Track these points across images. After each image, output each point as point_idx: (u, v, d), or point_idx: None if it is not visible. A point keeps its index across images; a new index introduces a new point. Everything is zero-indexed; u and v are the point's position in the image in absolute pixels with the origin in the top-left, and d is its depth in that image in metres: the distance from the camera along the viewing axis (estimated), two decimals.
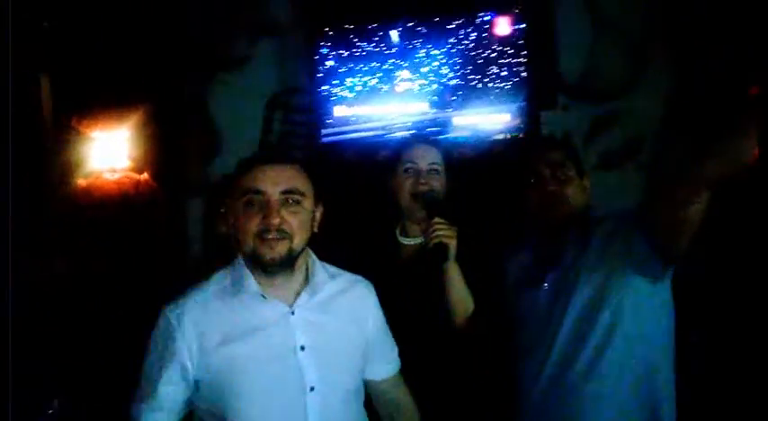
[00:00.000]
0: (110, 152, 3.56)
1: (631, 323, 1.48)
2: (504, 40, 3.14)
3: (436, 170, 1.83)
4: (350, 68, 3.26)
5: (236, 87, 3.52)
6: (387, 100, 3.25)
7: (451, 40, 3.17)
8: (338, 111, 3.28)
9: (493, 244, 1.83)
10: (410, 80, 3.22)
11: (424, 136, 2.73)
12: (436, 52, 3.18)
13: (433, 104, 3.21)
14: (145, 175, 3.64)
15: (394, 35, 3.20)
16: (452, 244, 1.62)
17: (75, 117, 3.58)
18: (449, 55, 3.19)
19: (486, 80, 3.20)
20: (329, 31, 3.27)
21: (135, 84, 3.51)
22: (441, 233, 1.62)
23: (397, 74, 3.23)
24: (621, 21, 3.24)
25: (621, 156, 3.24)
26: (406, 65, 3.22)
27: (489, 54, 3.16)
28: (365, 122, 3.26)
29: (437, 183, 1.82)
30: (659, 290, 1.50)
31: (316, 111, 3.32)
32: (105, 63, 3.49)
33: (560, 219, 1.62)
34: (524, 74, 3.15)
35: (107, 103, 3.54)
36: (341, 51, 3.25)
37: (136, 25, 3.45)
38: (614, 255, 1.51)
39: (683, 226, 1.35)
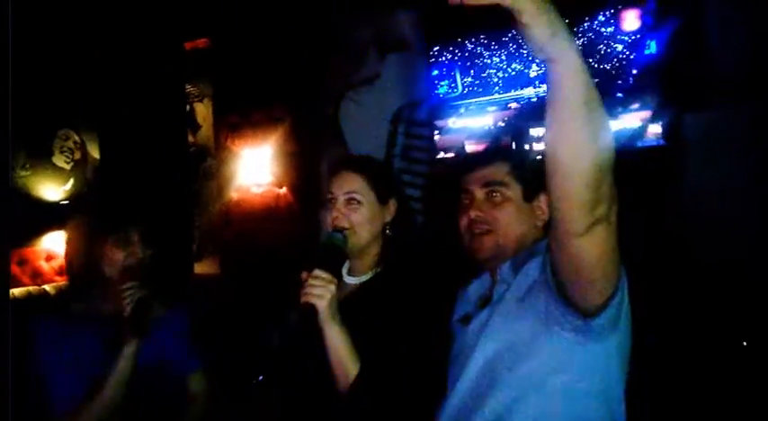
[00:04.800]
0: (255, 168, 3.92)
1: (550, 387, 1.14)
2: (639, 35, 2.84)
3: (356, 201, 1.49)
4: (469, 80, 3.19)
5: (364, 104, 3.63)
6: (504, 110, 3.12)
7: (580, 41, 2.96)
8: (454, 123, 3.22)
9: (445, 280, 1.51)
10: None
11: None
12: None
13: None
14: (284, 189, 3.92)
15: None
16: (322, 305, 1.30)
17: (229, 136, 4.00)
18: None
19: (619, 81, 2.93)
20: (450, 43, 3.25)
21: (277, 106, 3.83)
22: (311, 291, 1.30)
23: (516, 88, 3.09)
24: None
25: None
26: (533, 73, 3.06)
27: (623, 51, 2.88)
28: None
29: (356, 216, 1.48)
30: (590, 348, 1.13)
31: (434, 123, 3.30)
32: (254, 86, 3.85)
33: (485, 250, 1.32)
34: (664, 71, 2.82)
35: (254, 124, 3.90)
36: (460, 62, 3.20)
37: (280, 51, 3.77)
38: (534, 301, 1.18)
39: (577, 271, 1.04)
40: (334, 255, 1.41)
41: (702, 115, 2.83)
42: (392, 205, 1.54)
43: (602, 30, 2.96)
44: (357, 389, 1.34)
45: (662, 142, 2.88)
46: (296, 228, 3.83)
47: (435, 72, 3.10)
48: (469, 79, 3.14)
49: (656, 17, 2.83)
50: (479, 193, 1.36)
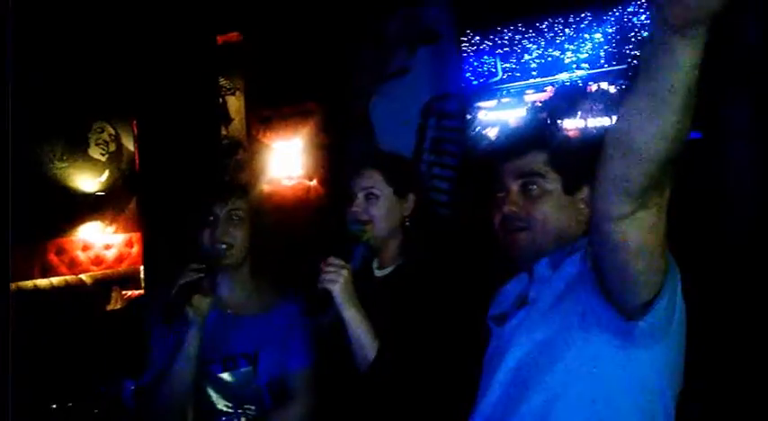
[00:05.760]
0: (286, 161, 3.95)
1: (585, 392, 1.05)
2: None
3: (374, 195, 1.56)
4: (491, 74, 3.17)
5: (394, 97, 3.63)
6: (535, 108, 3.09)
7: (611, 29, 2.92)
8: (485, 116, 3.20)
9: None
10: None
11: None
12: (592, 45, 2.95)
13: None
14: (315, 182, 3.94)
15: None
16: (336, 289, 1.39)
17: (261, 129, 4.03)
18: (609, 47, 2.93)
19: None
20: (489, 31, 3.22)
21: (308, 99, 3.84)
22: (325, 277, 1.40)
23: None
24: None
25: None
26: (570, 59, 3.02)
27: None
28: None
29: (375, 211, 1.55)
30: (633, 355, 1.03)
31: (466, 116, 3.28)
32: (285, 79, 3.88)
33: (520, 249, 1.24)
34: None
35: (285, 117, 3.92)
36: (500, 49, 3.18)
37: (310, 46, 3.78)
38: (572, 300, 1.10)
39: (614, 252, 0.94)
40: (351, 243, 1.50)
41: (744, 108, 2.76)
42: (411, 199, 1.60)
43: (635, 19, 2.90)
44: (376, 371, 1.39)
45: (698, 135, 2.81)
46: (326, 221, 3.85)
47: (473, 60, 3.07)
48: (508, 65, 3.15)
49: None
50: (514, 186, 1.25)
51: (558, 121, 2.96)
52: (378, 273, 1.63)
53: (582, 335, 1.06)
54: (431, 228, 1.62)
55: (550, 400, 1.07)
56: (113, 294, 3.97)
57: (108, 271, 4.81)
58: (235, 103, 4.22)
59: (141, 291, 4.55)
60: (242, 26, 4.11)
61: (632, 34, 2.93)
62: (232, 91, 4.14)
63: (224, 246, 1.55)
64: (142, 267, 4.58)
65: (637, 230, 0.90)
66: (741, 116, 2.79)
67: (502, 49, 3.19)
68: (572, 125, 2.98)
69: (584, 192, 1.23)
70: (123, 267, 4.94)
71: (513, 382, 1.13)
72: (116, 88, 4.11)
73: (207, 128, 3.97)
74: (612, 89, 2.97)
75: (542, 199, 1.23)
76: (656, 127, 0.83)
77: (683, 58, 0.77)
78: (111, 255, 5.06)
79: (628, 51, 2.92)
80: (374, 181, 1.57)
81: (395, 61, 3.67)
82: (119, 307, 3.97)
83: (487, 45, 3.22)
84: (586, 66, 3.00)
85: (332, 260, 1.42)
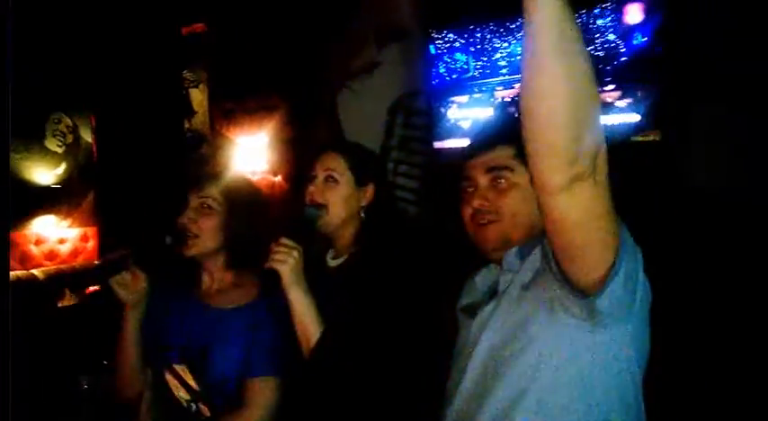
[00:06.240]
0: (251, 155, 3.87)
1: (557, 378, 1.06)
2: (637, 29, 2.82)
3: (334, 179, 1.54)
4: (463, 70, 3.17)
5: (362, 93, 3.59)
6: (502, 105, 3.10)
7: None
8: (452, 116, 3.20)
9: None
10: None
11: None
12: None
13: None
14: (279, 178, 3.88)
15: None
16: (284, 269, 1.37)
17: (224, 123, 3.95)
18: None
19: (618, 74, 2.91)
20: (448, 32, 3.22)
21: (274, 93, 3.78)
22: (273, 257, 1.38)
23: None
24: None
25: None
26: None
27: (619, 44, 2.86)
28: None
29: (332, 196, 1.53)
30: (599, 337, 1.05)
31: (434, 114, 3.27)
32: (250, 72, 3.80)
33: (491, 241, 1.24)
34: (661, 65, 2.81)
35: (249, 111, 3.85)
36: (455, 52, 3.18)
37: (276, 39, 3.72)
38: (540, 288, 1.10)
39: (557, 228, 0.95)
40: (304, 226, 1.48)
41: (704, 110, 2.81)
42: (370, 189, 1.58)
43: (600, 22, 2.94)
44: (318, 353, 1.37)
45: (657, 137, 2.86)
46: (290, 216, 3.79)
47: (447, 57, 3.07)
48: (480, 63, 3.18)
49: (658, 11, 2.82)
50: (483, 180, 1.27)
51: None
52: (331, 262, 1.60)
53: (549, 321, 1.07)
54: (388, 220, 1.59)
55: (523, 388, 1.08)
56: (66, 290, 3.84)
57: (62, 266, 4.65)
58: (198, 96, 4.12)
59: (97, 287, 4.40)
60: (207, 17, 4.03)
61: (597, 36, 2.97)
62: (195, 83, 4.04)
63: (187, 235, 1.51)
64: (97, 262, 4.45)
65: (575, 203, 0.90)
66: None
67: (474, 46, 3.19)
68: None
69: None
70: (78, 262, 4.78)
71: (485, 372, 1.14)
72: (75, 78, 3.97)
73: (169, 120, 3.88)
74: None
75: (511, 191, 1.24)
76: (546, 72, 0.85)
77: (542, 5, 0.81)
78: (65, 249, 4.88)
79: (592, 52, 2.96)
80: (336, 164, 1.55)
81: (363, 57, 3.64)
82: (71, 303, 3.84)
83: (460, 43, 3.22)
84: None
85: (283, 240, 1.40)
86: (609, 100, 2.95)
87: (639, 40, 2.84)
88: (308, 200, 1.54)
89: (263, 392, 1.47)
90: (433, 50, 3.29)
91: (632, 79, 2.91)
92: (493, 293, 1.25)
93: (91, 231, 4.83)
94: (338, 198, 1.54)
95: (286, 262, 1.38)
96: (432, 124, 3.32)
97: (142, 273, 1.50)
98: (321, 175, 1.55)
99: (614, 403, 1.07)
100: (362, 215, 1.57)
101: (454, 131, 3.25)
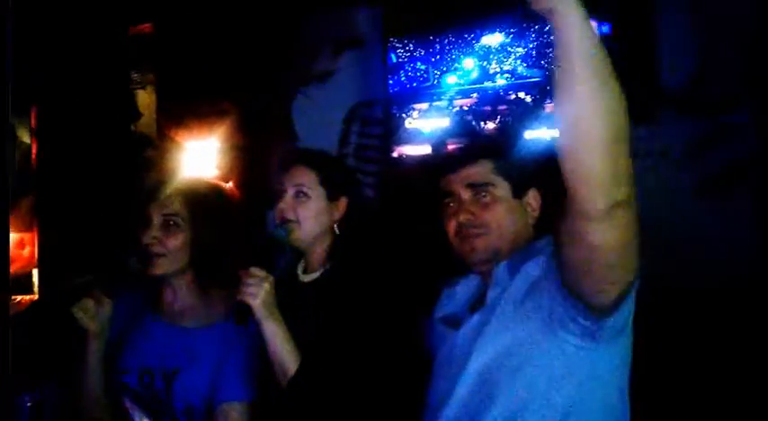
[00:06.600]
0: (200, 161, 3.76)
1: (554, 396, 1.08)
2: None
3: (305, 194, 1.49)
4: (424, 79, 3.18)
5: (317, 100, 3.56)
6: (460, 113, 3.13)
7: (524, 48, 3.02)
8: (410, 123, 3.21)
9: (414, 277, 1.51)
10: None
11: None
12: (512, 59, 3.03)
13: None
14: (230, 184, 3.79)
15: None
16: (257, 304, 1.31)
17: (173, 127, 3.83)
18: (527, 62, 3.03)
19: None
20: (404, 41, 3.23)
21: (224, 97, 3.69)
22: (245, 289, 1.32)
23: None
24: (733, 21, 2.83)
25: (728, 181, 2.81)
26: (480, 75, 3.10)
27: None
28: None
29: (304, 212, 1.48)
30: (598, 354, 1.07)
31: (389, 123, 3.28)
32: (200, 76, 3.70)
33: (478, 254, 1.26)
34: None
35: (200, 115, 3.74)
36: (416, 61, 3.20)
37: (228, 42, 3.63)
38: (535, 303, 1.12)
39: (586, 263, 0.96)
40: (274, 250, 1.45)
41: (651, 128, 2.90)
42: (342, 203, 1.54)
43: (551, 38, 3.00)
44: (294, 387, 1.33)
45: None
46: (241, 225, 3.71)
47: (408, 66, 3.08)
48: (438, 72, 3.23)
49: (609, 23, 2.89)
50: (465, 195, 1.29)
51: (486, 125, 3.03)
52: (303, 277, 1.55)
53: (547, 337, 1.08)
54: (360, 233, 1.56)
55: (520, 403, 1.08)
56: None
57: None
58: (145, 98, 3.99)
59: (32, 296, 4.19)
60: (154, 17, 3.90)
61: (550, 49, 3.03)
62: (142, 85, 3.91)
63: (153, 254, 1.43)
64: (35, 270, 4.23)
65: (614, 227, 0.91)
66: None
67: (434, 56, 3.21)
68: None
69: (530, 195, 1.30)
70: (13, 270, 4.54)
71: (478, 387, 1.13)
72: (11, 76, 3.77)
73: (115, 122, 3.74)
74: (529, 98, 3.06)
75: (494, 205, 1.27)
76: (579, 101, 0.86)
77: (567, 31, 0.83)
78: None
79: (546, 64, 3.02)
80: (306, 179, 1.51)
81: (319, 64, 3.61)
82: (10, 314, 3.63)
83: (420, 52, 3.24)
84: (508, 75, 3.08)
85: (253, 271, 1.34)
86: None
87: None
88: (277, 217, 1.48)
89: (234, 417, 1.40)
90: (394, 59, 3.28)
91: None
92: (475, 304, 1.26)
93: (28, 237, 4.60)
94: (310, 214, 1.49)
95: (257, 295, 1.32)
96: (387, 133, 3.32)
97: (107, 299, 1.40)
98: (291, 191, 1.50)
99: (602, 408, 1.10)
100: (336, 230, 1.52)
101: (414, 138, 3.26)
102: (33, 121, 4.04)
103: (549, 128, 2.91)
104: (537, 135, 2.97)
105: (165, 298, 1.52)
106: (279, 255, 1.44)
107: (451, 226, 1.29)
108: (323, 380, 1.33)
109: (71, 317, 1.35)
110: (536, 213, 1.30)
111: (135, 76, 3.98)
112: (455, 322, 1.28)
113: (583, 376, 1.08)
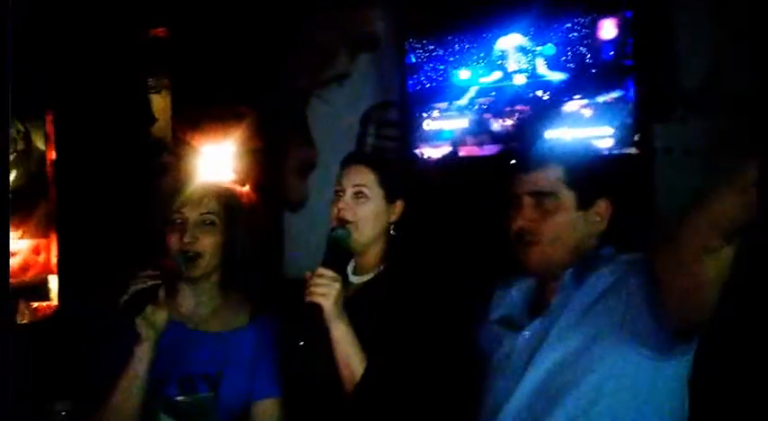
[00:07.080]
0: (217, 165, 3.76)
1: (615, 405, 1.07)
2: (610, 45, 2.88)
3: (364, 195, 1.47)
4: (443, 80, 3.18)
5: (334, 103, 3.55)
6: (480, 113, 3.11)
7: (550, 46, 3.00)
8: (429, 125, 3.20)
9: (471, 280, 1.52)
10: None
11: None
12: (531, 58, 3.02)
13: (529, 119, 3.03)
14: (247, 188, 3.78)
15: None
16: (328, 304, 1.30)
17: (188, 131, 3.82)
18: (549, 62, 3.01)
19: (591, 89, 2.96)
20: (422, 42, 3.22)
21: (240, 100, 3.68)
22: (315, 290, 1.31)
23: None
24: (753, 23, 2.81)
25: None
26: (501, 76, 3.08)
27: (593, 59, 2.91)
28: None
29: (362, 211, 1.47)
30: (666, 367, 1.08)
31: (407, 125, 3.27)
32: (216, 79, 3.70)
33: (531, 262, 1.26)
34: (635, 81, 2.87)
35: (216, 119, 3.74)
36: (434, 62, 3.19)
37: (243, 45, 3.63)
38: (605, 312, 1.12)
39: (693, 293, 0.98)
40: (337, 251, 1.41)
41: (671, 126, 2.89)
42: (399, 205, 1.52)
43: (572, 35, 2.99)
44: (363, 389, 1.31)
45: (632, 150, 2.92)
46: (260, 228, 3.70)
47: (427, 66, 3.19)
48: (458, 71, 3.23)
49: (630, 27, 2.88)
50: (527, 200, 1.27)
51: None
52: (354, 278, 1.53)
53: (615, 347, 1.08)
54: (417, 236, 1.54)
55: (583, 410, 1.08)
56: (21, 307, 3.63)
57: (12, 280, 4.40)
58: (160, 102, 3.98)
59: (50, 303, 4.19)
60: (170, 21, 3.90)
61: (568, 49, 3.01)
62: (157, 89, 3.90)
63: (191, 255, 1.41)
64: (51, 276, 4.23)
65: (721, 264, 0.96)
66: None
67: (453, 56, 3.20)
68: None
69: (600, 206, 1.26)
70: (29, 276, 4.54)
71: (542, 392, 1.13)
72: (28, 81, 3.77)
73: (130, 127, 3.73)
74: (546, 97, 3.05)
75: (555, 216, 1.24)
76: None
77: None
78: (15, 263, 4.62)
79: (566, 63, 3.01)
80: (366, 180, 1.48)
81: (334, 66, 3.60)
82: (27, 321, 3.63)
83: (438, 52, 3.23)
84: (527, 74, 3.07)
85: (322, 271, 1.32)
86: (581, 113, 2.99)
87: (611, 54, 2.89)
88: (334, 218, 1.46)
89: (269, 413, 1.43)
90: (413, 59, 3.26)
91: (603, 93, 2.95)
92: (534, 308, 1.25)
93: (43, 243, 4.59)
94: (369, 215, 1.47)
95: (329, 295, 1.30)
96: (404, 134, 3.31)
97: (165, 305, 1.36)
98: (350, 191, 1.48)
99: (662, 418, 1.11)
100: (392, 232, 1.51)
101: (436, 138, 3.26)
102: (48, 127, 4.05)
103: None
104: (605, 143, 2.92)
105: (183, 303, 1.49)
106: (335, 256, 1.42)
107: (512, 229, 1.28)
108: (391, 382, 1.31)
109: (111, 324, 1.34)
110: (603, 225, 1.27)
111: (150, 80, 3.98)
112: (512, 325, 1.28)
113: (647, 386, 1.08)
